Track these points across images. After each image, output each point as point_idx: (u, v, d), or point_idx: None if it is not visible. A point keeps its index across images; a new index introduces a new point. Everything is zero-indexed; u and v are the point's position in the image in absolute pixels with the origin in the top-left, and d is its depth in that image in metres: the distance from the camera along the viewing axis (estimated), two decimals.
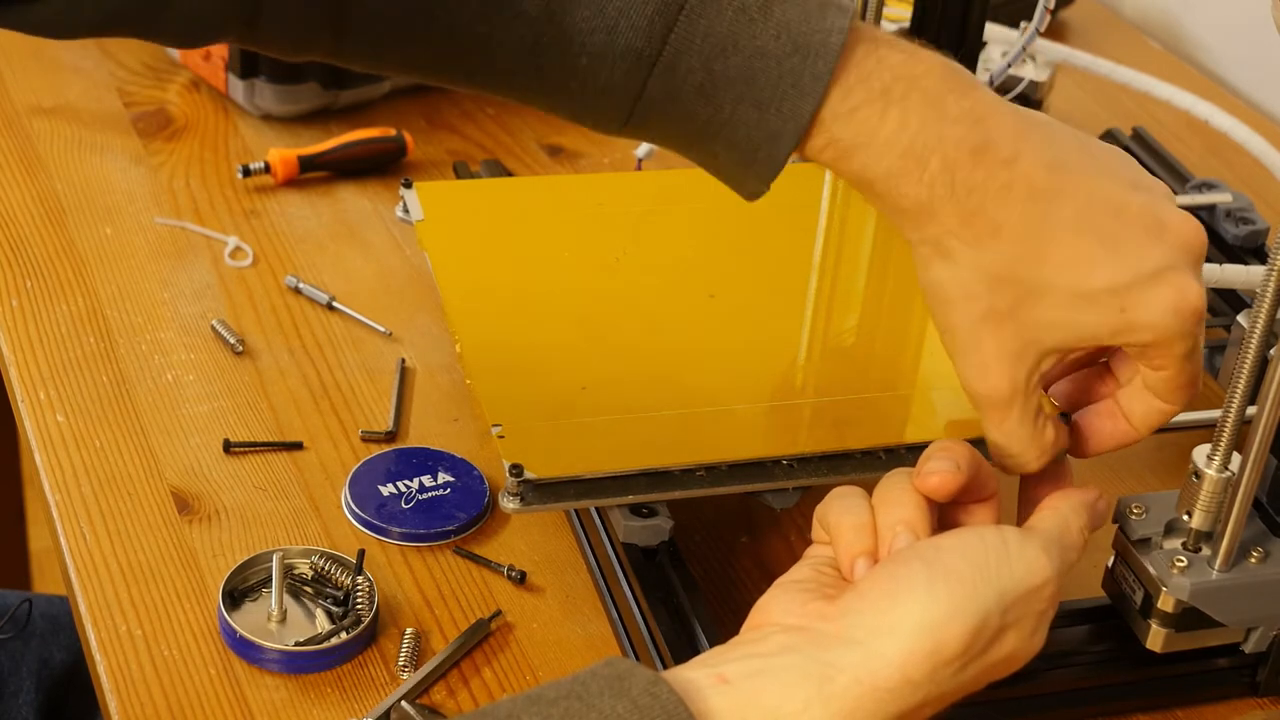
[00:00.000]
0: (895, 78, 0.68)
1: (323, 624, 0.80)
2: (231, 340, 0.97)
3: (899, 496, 0.68)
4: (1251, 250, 1.05)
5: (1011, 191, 0.68)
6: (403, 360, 0.97)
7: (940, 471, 0.68)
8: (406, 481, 0.88)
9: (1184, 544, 0.76)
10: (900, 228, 0.70)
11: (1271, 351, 0.70)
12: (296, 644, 0.78)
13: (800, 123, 0.68)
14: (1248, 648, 0.79)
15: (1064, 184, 0.69)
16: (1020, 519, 0.74)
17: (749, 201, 0.72)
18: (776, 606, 0.66)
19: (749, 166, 0.70)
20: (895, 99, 0.68)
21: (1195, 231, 0.70)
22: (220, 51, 1.18)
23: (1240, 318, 0.92)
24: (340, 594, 0.81)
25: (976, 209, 0.68)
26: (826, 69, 0.67)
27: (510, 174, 1.14)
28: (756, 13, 0.67)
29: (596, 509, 0.84)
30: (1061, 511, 0.70)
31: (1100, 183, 0.69)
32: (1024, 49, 1.04)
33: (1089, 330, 0.69)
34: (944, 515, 0.71)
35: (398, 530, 0.86)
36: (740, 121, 0.68)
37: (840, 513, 0.69)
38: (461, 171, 1.13)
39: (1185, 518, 0.75)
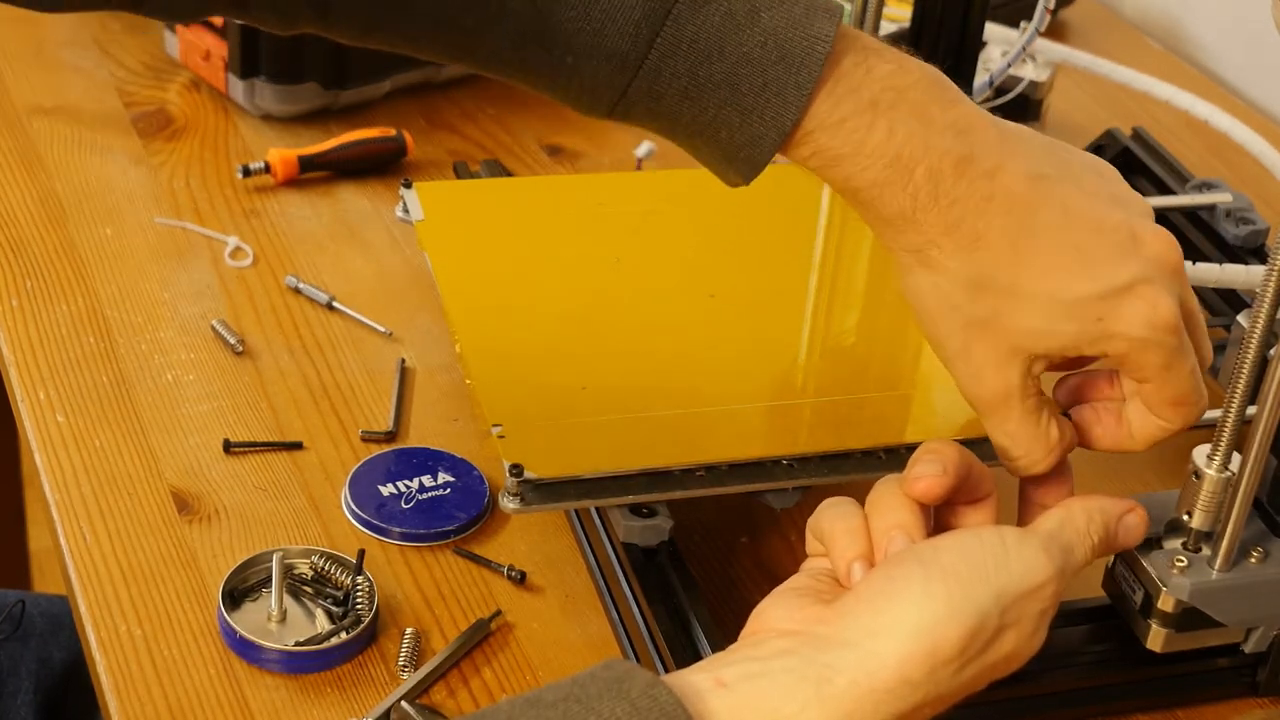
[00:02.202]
0: (884, 89, 0.69)
1: (323, 624, 0.80)
2: (231, 340, 0.97)
3: (892, 501, 0.68)
4: (1251, 250, 1.05)
5: (992, 203, 0.69)
6: (403, 360, 0.97)
7: (926, 476, 0.68)
8: (406, 481, 0.88)
9: (1184, 544, 0.76)
10: (882, 236, 0.71)
11: (1271, 351, 0.70)
12: (296, 644, 0.78)
13: (782, 130, 0.68)
14: (1248, 648, 0.79)
15: (1044, 197, 0.69)
16: (1021, 519, 0.74)
17: (731, 188, 0.73)
18: (774, 612, 0.66)
19: (730, 164, 0.71)
20: (883, 110, 0.68)
21: (1170, 248, 0.71)
22: (220, 51, 1.18)
23: (1240, 318, 0.92)
24: (340, 594, 0.81)
25: (958, 219, 0.69)
26: (810, 78, 0.68)
27: (510, 174, 1.14)
28: (743, 19, 0.68)
29: (596, 509, 0.84)
30: (1072, 511, 0.70)
31: (1079, 197, 0.70)
32: (1024, 49, 1.04)
33: (1069, 339, 0.70)
34: (940, 517, 0.71)
35: (398, 530, 0.86)
36: (723, 124, 0.69)
37: (833, 519, 0.69)
38: (461, 171, 1.13)
39: (1185, 518, 0.75)
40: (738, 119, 0.69)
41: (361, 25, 0.71)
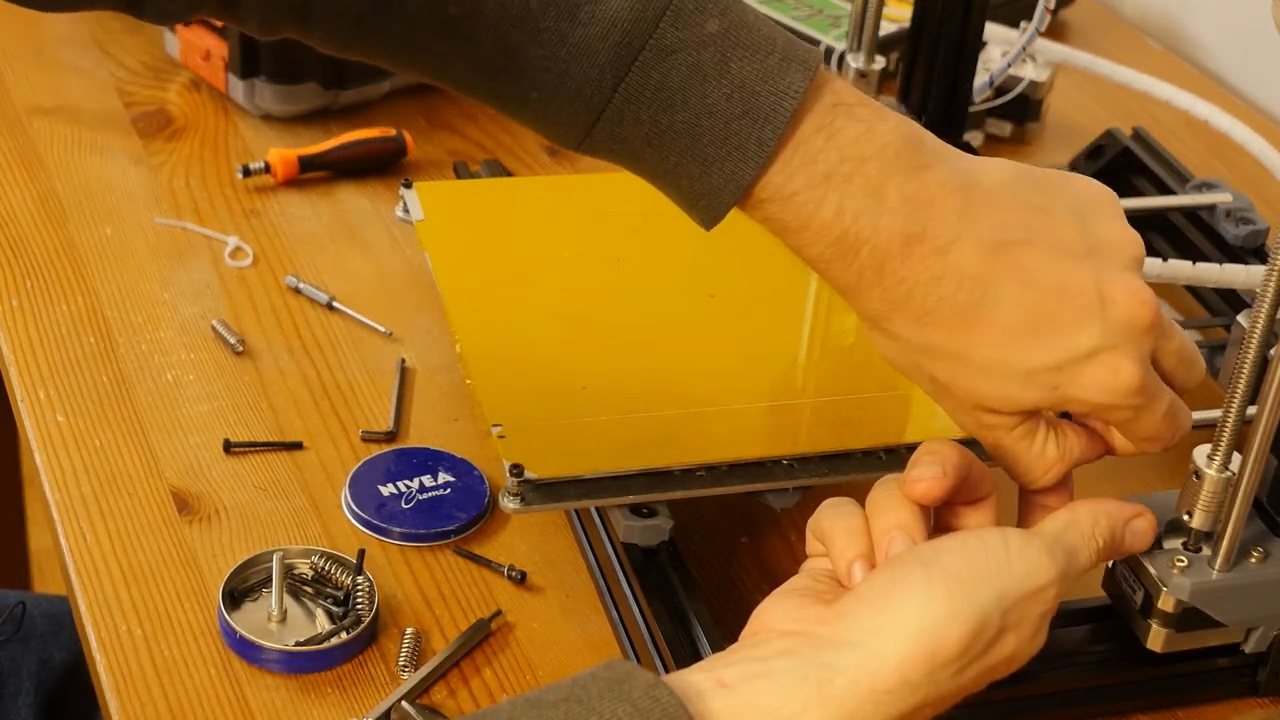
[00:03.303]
0: (842, 159, 0.67)
1: (323, 624, 0.80)
2: (231, 340, 0.97)
3: (891, 502, 0.68)
4: (1251, 250, 1.05)
5: (942, 282, 0.68)
6: (403, 360, 0.97)
7: (926, 478, 0.68)
8: (406, 481, 0.88)
9: (1184, 544, 0.76)
10: (841, 297, 0.71)
11: (1271, 351, 0.70)
12: (296, 644, 0.78)
13: (741, 184, 0.68)
14: (1248, 648, 0.79)
15: (1002, 268, 0.68)
16: (1022, 519, 0.74)
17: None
18: (774, 613, 0.66)
19: (692, 211, 0.71)
20: (836, 184, 0.67)
21: (1139, 306, 0.69)
22: (220, 51, 1.18)
23: (1240, 318, 0.92)
24: (340, 594, 0.82)
25: (905, 296, 0.68)
26: (773, 135, 0.67)
27: (510, 174, 1.14)
28: (711, 69, 0.67)
29: (596, 509, 0.84)
30: (1077, 514, 0.70)
31: (1044, 260, 0.68)
32: (1024, 49, 1.04)
33: (1028, 403, 0.69)
34: (940, 517, 0.71)
35: (398, 530, 0.86)
36: (684, 173, 0.69)
37: (833, 519, 0.69)
38: (461, 171, 1.13)
39: (1185, 518, 0.75)
40: (698, 169, 0.68)
41: (340, 39, 0.72)
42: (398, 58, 0.72)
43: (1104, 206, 0.71)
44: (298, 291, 1.02)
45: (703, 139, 0.67)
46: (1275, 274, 0.68)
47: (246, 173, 1.11)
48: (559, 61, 0.67)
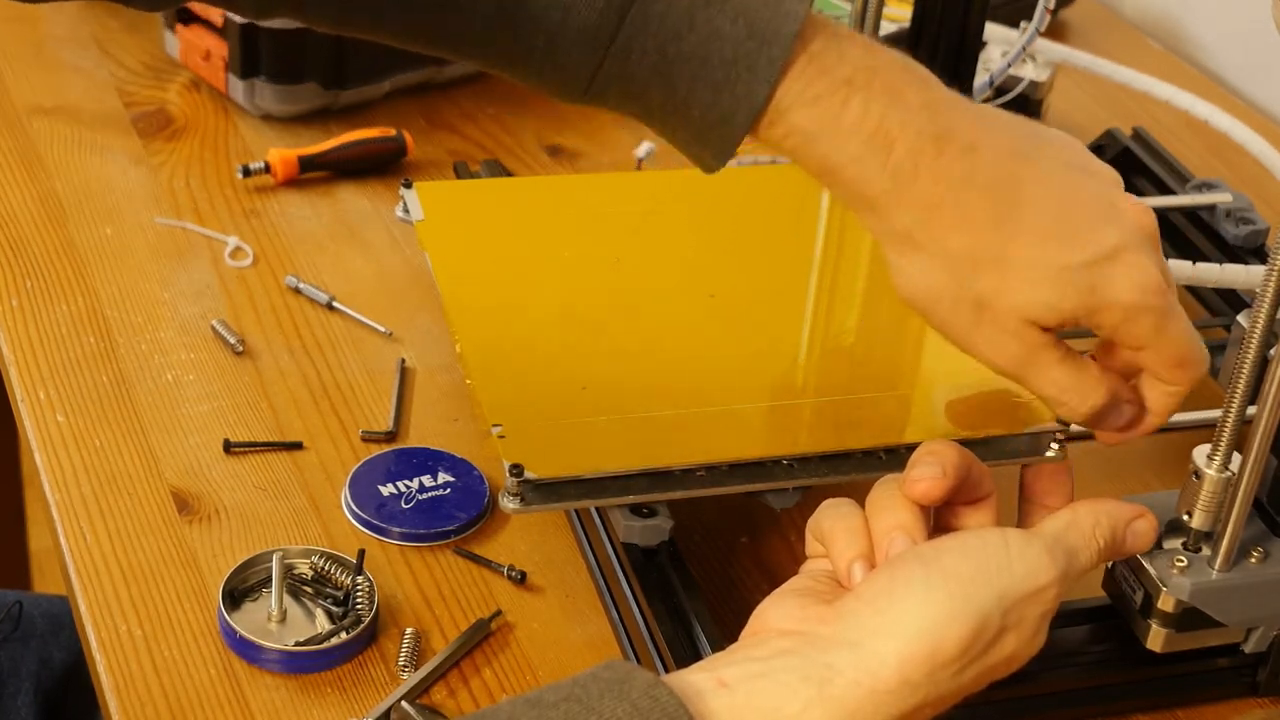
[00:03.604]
0: (856, 69, 0.68)
1: (323, 624, 0.80)
2: (231, 340, 0.97)
3: (891, 502, 0.68)
4: (1251, 250, 1.05)
5: (974, 179, 0.69)
6: (403, 360, 0.97)
7: (926, 478, 0.68)
8: (406, 481, 0.88)
9: (1184, 544, 0.76)
10: (866, 222, 0.71)
11: (1271, 351, 0.70)
12: (296, 644, 0.78)
13: (754, 105, 0.68)
14: (1248, 648, 0.79)
15: (1022, 171, 0.70)
16: (1022, 519, 0.74)
17: (707, 174, 0.73)
18: (774, 613, 0.66)
19: (704, 145, 0.71)
20: (858, 87, 0.68)
21: (1146, 215, 0.72)
22: (220, 51, 1.18)
23: (1240, 318, 0.92)
24: (340, 594, 0.81)
25: (941, 197, 0.69)
26: (781, 53, 0.67)
27: (510, 174, 1.14)
28: None
29: (596, 509, 0.84)
30: (1078, 514, 0.70)
31: (1057, 170, 0.71)
32: (1024, 49, 1.04)
33: (1066, 311, 0.70)
34: (940, 517, 0.71)
35: (398, 530, 0.86)
36: (695, 102, 0.69)
37: (833, 520, 0.69)
38: (461, 171, 1.13)
39: (1185, 518, 0.75)
40: (709, 96, 0.68)
41: (335, 14, 0.72)
42: (395, 28, 0.72)
43: (1080, 145, 0.74)
44: (298, 291, 1.02)
45: (711, 62, 0.68)
46: (1275, 274, 0.68)
47: (246, 173, 1.11)
48: (561, 1, 0.68)
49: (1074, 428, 0.79)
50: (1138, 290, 0.69)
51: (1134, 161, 1.14)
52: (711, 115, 0.69)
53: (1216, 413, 0.73)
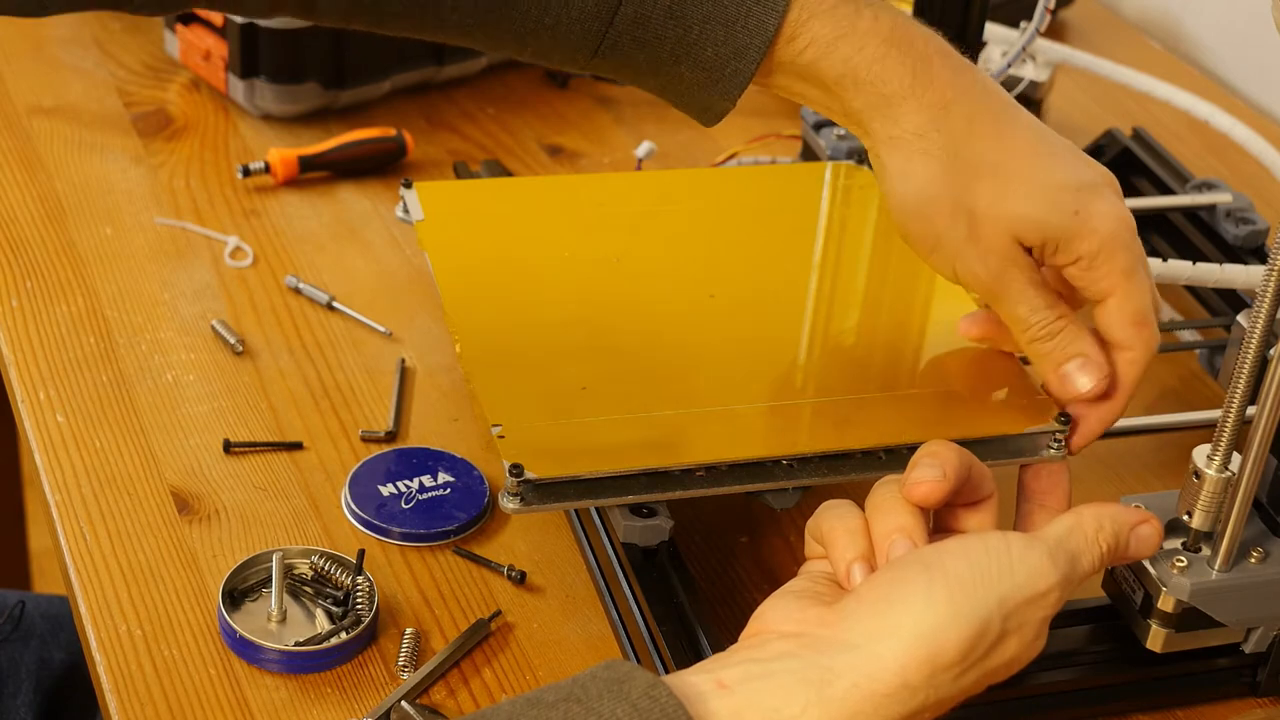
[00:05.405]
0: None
1: (323, 624, 0.80)
2: (231, 340, 0.97)
3: (892, 504, 0.68)
4: (1251, 250, 1.05)
5: (973, 90, 0.75)
6: (403, 360, 0.97)
7: (926, 481, 0.68)
8: (406, 481, 0.88)
9: (1184, 544, 0.76)
10: (874, 128, 0.75)
11: (1271, 351, 0.70)
12: (296, 644, 0.78)
13: (765, 36, 0.72)
14: (1248, 648, 0.79)
15: (1014, 109, 0.77)
16: (1021, 521, 0.74)
17: (709, 126, 0.78)
18: (774, 614, 0.66)
19: (716, 85, 0.74)
20: (864, 4, 0.74)
21: (1108, 171, 0.78)
22: (220, 51, 1.18)
23: (1240, 318, 0.92)
24: (340, 594, 0.82)
25: (952, 100, 0.74)
26: None
27: (510, 174, 1.14)
28: None
29: (596, 509, 0.84)
30: (1081, 518, 0.70)
31: (1032, 118, 0.78)
32: (1024, 49, 1.04)
33: (1051, 229, 0.74)
34: (940, 519, 0.71)
35: (398, 530, 0.86)
36: (709, 40, 0.73)
37: (832, 521, 0.69)
38: (461, 171, 1.13)
39: (1185, 518, 0.75)
40: (722, 33, 0.72)
41: (343, 8, 0.72)
42: (399, 15, 0.72)
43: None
44: (298, 291, 1.03)
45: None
46: (1275, 274, 0.68)
47: (246, 173, 1.11)
48: None
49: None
50: (1117, 221, 0.74)
51: (1134, 161, 1.13)
52: (725, 51, 0.73)
53: (1216, 413, 0.73)
